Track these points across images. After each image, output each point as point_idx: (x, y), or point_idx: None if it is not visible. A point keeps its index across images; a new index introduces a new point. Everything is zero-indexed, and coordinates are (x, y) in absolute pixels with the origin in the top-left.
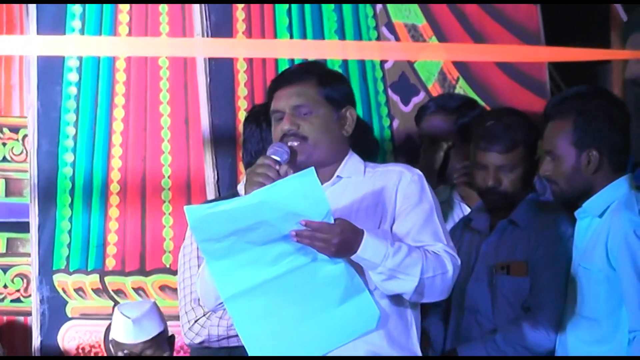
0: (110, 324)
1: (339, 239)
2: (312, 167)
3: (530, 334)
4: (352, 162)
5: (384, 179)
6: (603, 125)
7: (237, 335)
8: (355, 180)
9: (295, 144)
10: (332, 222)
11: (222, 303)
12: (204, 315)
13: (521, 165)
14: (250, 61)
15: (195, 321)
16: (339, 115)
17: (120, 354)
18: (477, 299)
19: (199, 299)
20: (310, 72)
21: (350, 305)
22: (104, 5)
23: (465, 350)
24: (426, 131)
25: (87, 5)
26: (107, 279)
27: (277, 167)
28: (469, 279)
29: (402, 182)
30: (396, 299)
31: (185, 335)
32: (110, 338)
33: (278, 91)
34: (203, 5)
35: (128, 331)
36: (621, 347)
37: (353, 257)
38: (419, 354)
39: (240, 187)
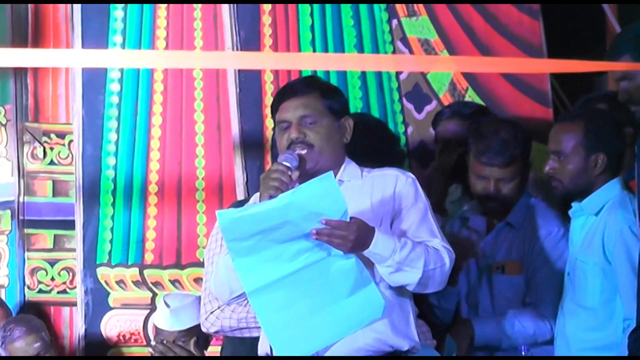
0: (149, 313)
1: (355, 236)
2: (331, 172)
3: (536, 325)
4: (350, 167)
5: (381, 181)
6: (612, 131)
7: (247, 328)
8: (354, 184)
9: (304, 151)
10: (349, 220)
11: (236, 297)
12: (219, 308)
13: (519, 175)
14: (276, 73)
15: (211, 312)
16: (340, 124)
17: (156, 339)
18: (478, 295)
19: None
20: (313, 85)
21: (359, 296)
22: (143, 21)
23: (479, 323)
24: (442, 135)
25: (127, 21)
26: (146, 272)
27: (289, 172)
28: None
29: (399, 185)
30: (398, 291)
31: (203, 325)
32: (152, 323)
33: (284, 103)
34: (233, 21)
35: (166, 319)
36: (616, 333)
37: (365, 252)
38: (417, 340)
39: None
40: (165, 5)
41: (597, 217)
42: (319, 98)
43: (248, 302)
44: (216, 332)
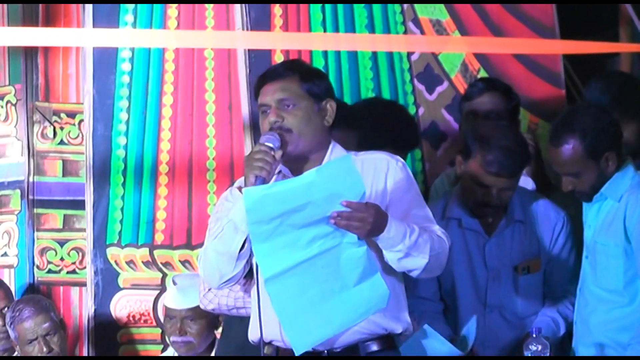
0: (159, 294)
1: (373, 219)
2: (349, 154)
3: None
4: (337, 150)
5: (371, 165)
6: (603, 125)
7: (244, 307)
8: None
9: (283, 135)
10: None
11: (226, 282)
12: None
13: (517, 183)
14: (287, 53)
15: (209, 290)
16: (320, 107)
17: (166, 319)
18: (499, 297)
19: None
20: (293, 69)
21: (365, 285)
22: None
23: None
24: (480, 108)
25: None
26: (156, 252)
27: (272, 152)
28: (487, 278)
29: (391, 169)
30: (391, 275)
31: (201, 302)
32: (162, 305)
33: (264, 87)
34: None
35: (173, 297)
36: (637, 313)
37: (379, 237)
38: (409, 321)
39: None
40: None
41: (618, 201)
42: (298, 81)
43: (244, 282)
44: (213, 309)
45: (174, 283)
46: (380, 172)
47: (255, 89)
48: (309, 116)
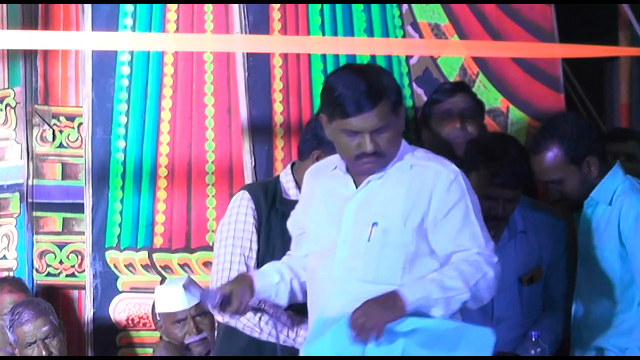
0: None
1: (369, 314)
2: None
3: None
4: (404, 156)
5: (421, 176)
6: (583, 130)
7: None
8: (398, 174)
9: (374, 162)
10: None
11: None
12: None
13: (521, 194)
14: (285, 56)
15: None
16: (400, 115)
17: (176, 325)
18: (505, 309)
19: (229, 277)
20: (384, 92)
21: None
22: (154, 4)
23: None
24: (457, 107)
25: (138, 4)
26: (155, 255)
27: None
28: None
29: (438, 184)
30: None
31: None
32: (158, 316)
33: (358, 116)
34: (242, 5)
35: (180, 299)
36: (637, 316)
37: (409, 307)
38: None
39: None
40: None
41: (611, 205)
42: (389, 104)
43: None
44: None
45: (175, 285)
46: (426, 186)
47: (339, 111)
48: (397, 132)
